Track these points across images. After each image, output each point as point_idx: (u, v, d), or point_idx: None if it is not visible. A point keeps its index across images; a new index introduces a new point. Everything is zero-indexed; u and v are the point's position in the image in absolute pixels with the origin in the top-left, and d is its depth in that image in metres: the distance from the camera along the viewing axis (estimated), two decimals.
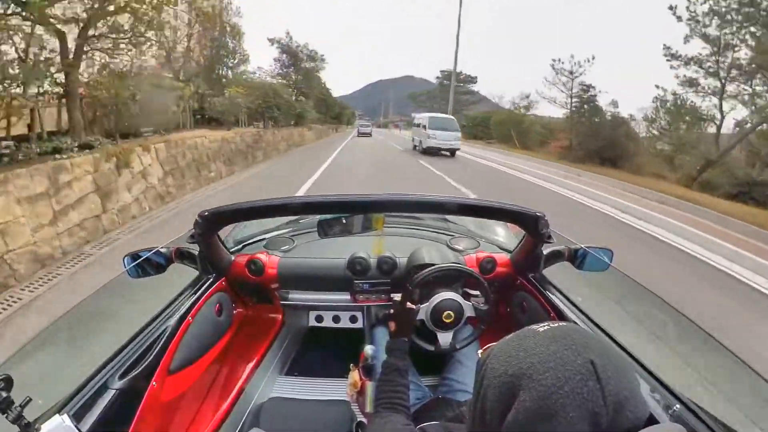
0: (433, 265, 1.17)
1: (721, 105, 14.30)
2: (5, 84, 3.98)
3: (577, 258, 1.27)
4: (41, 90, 4.55)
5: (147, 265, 1.16)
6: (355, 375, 1.30)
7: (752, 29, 12.15)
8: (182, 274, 1.31)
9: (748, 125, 13.31)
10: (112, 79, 5.62)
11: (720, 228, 6.46)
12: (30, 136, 4.43)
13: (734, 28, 12.62)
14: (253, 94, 11.61)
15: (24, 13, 4.10)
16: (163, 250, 1.19)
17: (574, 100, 19.76)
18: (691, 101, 15.50)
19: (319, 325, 1.66)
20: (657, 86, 16.56)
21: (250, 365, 1.42)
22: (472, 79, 53.02)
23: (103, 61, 5.75)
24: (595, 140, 16.54)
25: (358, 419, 1.28)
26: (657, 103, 16.84)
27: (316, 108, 20.30)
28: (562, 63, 19.96)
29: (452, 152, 15.08)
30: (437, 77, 53.29)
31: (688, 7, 13.50)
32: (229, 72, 13.30)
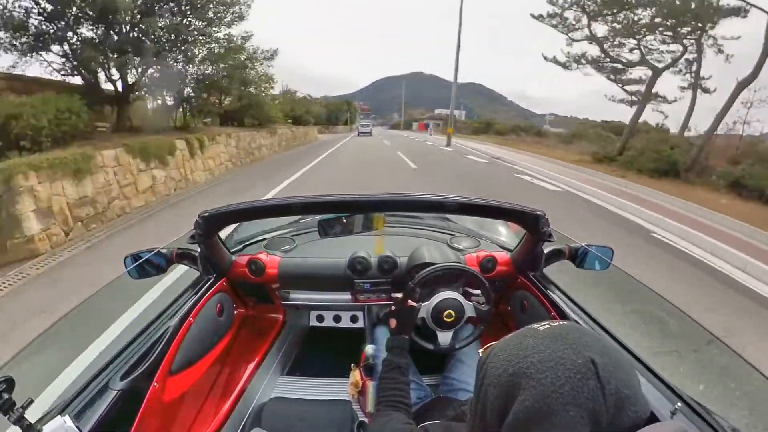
0: (433, 264, 1.17)
1: None
2: None
3: (577, 256, 1.27)
4: None
5: (148, 265, 1.16)
6: (356, 375, 1.29)
7: None
8: (183, 275, 1.31)
9: None
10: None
11: None
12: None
13: None
14: None
15: None
16: (163, 250, 1.18)
17: None
18: None
19: (320, 324, 1.66)
20: None
21: (252, 365, 1.42)
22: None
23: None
24: None
25: (360, 419, 1.28)
26: None
27: None
28: None
29: None
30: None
31: None
32: None
